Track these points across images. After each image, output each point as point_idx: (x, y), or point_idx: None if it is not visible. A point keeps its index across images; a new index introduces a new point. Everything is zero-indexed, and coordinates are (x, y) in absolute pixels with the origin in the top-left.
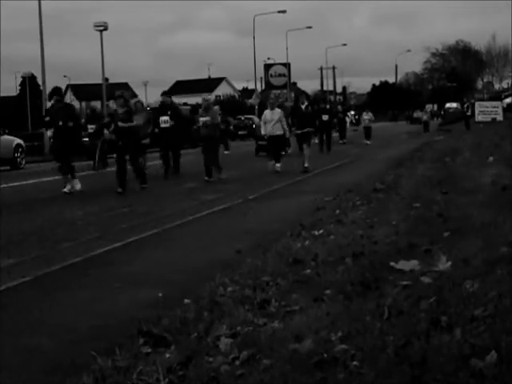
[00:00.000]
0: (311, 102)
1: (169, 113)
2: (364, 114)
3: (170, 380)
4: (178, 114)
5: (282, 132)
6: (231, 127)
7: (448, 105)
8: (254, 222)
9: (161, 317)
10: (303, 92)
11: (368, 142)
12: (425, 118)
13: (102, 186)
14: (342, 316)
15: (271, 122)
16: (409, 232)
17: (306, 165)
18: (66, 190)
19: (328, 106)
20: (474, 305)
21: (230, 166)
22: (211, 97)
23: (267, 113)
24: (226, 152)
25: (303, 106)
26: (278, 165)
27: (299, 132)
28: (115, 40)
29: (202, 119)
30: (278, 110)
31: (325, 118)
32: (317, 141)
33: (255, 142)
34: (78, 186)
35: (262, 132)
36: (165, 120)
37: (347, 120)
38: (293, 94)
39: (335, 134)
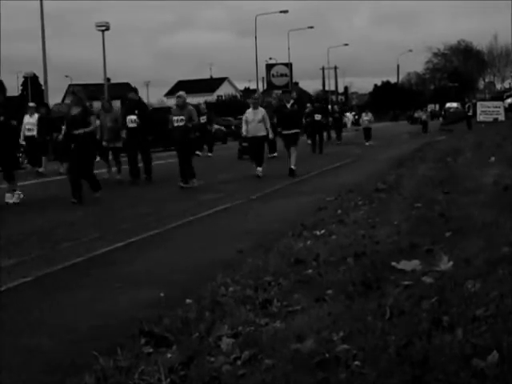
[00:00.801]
0: (297, 101)
1: (136, 112)
2: (363, 114)
3: (171, 380)
4: (146, 112)
5: (265, 133)
6: (214, 127)
7: (448, 105)
8: (255, 222)
9: (162, 317)
10: (287, 92)
11: (368, 143)
12: (424, 117)
13: (101, 186)
14: (344, 316)
15: (253, 122)
16: (410, 232)
17: (292, 167)
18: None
19: (330, 107)
20: (475, 305)
21: (229, 166)
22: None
23: (249, 112)
24: (209, 154)
25: (288, 105)
26: (259, 168)
27: (285, 133)
28: (116, 40)
29: (175, 118)
30: (261, 110)
31: (317, 117)
32: (309, 141)
33: (238, 144)
34: (14, 198)
35: (243, 132)
36: (132, 119)
37: (347, 120)
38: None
39: (333, 135)
